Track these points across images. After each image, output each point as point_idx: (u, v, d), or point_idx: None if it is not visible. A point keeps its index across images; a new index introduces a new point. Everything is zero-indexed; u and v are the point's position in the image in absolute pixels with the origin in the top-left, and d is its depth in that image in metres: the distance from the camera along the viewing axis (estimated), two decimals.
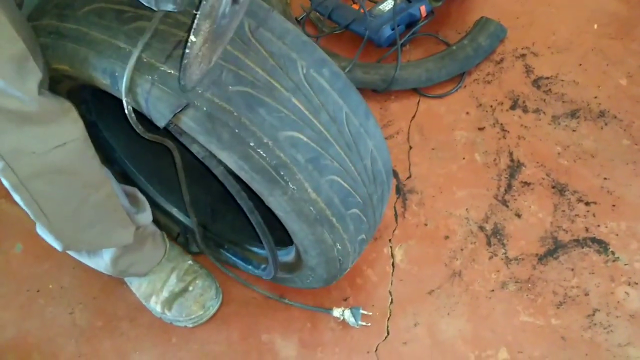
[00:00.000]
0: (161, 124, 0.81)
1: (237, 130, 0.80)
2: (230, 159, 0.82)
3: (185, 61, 0.66)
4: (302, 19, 1.79)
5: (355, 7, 1.70)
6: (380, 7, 1.66)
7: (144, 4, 0.65)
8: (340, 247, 0.97)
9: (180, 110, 0.78)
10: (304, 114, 0.83)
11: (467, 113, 1.58)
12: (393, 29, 1.61)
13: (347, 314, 1.26)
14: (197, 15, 0.61)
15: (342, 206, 0.91)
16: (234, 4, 0.68)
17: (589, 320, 1.25)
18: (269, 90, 0.81)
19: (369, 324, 1.28)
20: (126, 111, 0.81)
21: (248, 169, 0.82)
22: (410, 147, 1.54)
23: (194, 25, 0.62)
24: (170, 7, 0.64)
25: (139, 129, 0.85)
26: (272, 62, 0.81)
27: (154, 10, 0.78)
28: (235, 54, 0.80)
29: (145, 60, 0.78)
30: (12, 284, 1.42)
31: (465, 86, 1.63)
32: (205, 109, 0.79)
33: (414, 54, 1.71)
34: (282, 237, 1.07)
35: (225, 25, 0.71)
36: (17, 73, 0.78)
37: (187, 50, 0.65)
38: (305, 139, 0.83)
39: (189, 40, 0.64)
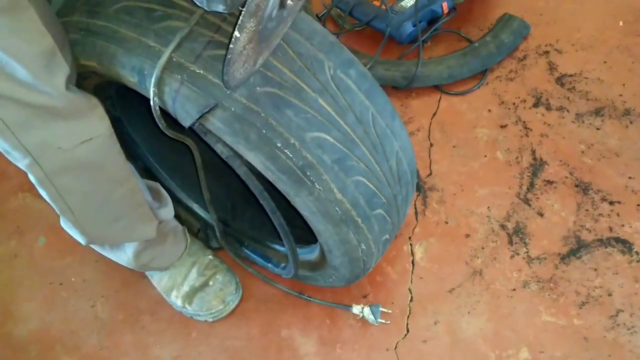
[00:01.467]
0: (186, 123, 0.81)
1: (264, 131, 0.80)
2: (257, 160, 0.83)
3: (229, 56, 0.66)
4: (323, 15, 1.78)
5: (377, 3, 1.70)
6: (402, 3, 1.65)
7: (197, 3, 0.65)
8: (364, 247, 0.97)
9: (208, 111, 0.79)
10: (330, 115, 0.83)
11: (489, 110, 1.57)
12: (415, 26, 1.60)
13: (367, 311, 1.26)
14: (243, 12, 0.61)
15: (367, 207, 0.91)
16: (281, 9, 0.68)
17: (612, 321, 1.23)
18: (297, 91, 0.81)
19: (388, 322, 1.28)
20: (152, 103, 0.81)
21: (275, 169, 0.83)
22: (431, 145, 1.53)
23: (239, 22, 0.62)
24: (220, 8, 0.64)
25: (162, 124, 0.85)
26: (299, 63, 0.81)
27: (191, 11, 0.79)
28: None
29: (174, 59, 0.79)
30: (36, 276, 1.44)
31: (487, 83, 1.62)
32: (233, 109, 0.79)
33: (435, 50, 1.70)
34: (305, 235, 1.07)
35: (272, 29, 0.71)
36: (45, 68, 0.78)
37: (231, 46, 0.65)
38: (331, 139, 0.83)
39: (233, 36, 0.64)
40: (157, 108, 0.82)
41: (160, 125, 0.85)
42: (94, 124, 0.89)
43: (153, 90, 0.80)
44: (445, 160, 1.50)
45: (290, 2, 0.68)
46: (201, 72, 0.79)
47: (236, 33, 0.63)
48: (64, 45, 0.83)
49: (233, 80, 0.73)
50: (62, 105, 0.83)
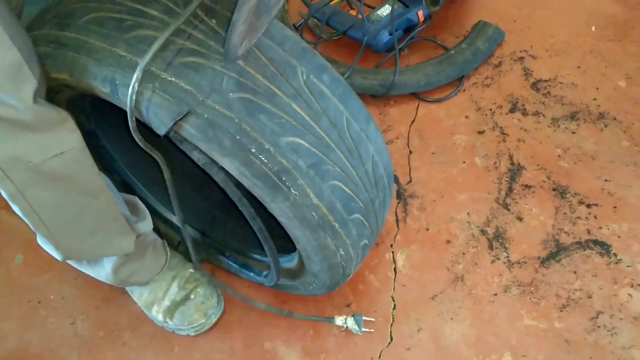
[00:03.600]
0: (161, 131, 0.81)
1: (238, 137, 0.80)
2: (231, 166, 0.82)
3: (234, 25, 0.66)
4: (300, 25, 1.79)
5: (353, 12, 1.71)
6: (378, 12, 1.67)
7: None
8: (343, 253, 0.97)
9: (182, 118, 0.78)
10: (304, 120, 0.83)
11: (467, 117, 1.58)
12: (391, 34, 1.61)
13: (350, 321, 1.25)
14: None
15: (344, 211, 0.91)
16: None
17: (592, 322, 1.24)
18: (270, 97, 0.81)
19: (372, 330, 1.27)
20: (129, 116, 0.80)
21: (250, 175, 0.82)
22: (410, 152, 1.54)
23: None
24: None
25: (137, 136, 0.84)
26: (272, 68, 0.81)
27: (161, 20, 0.78)
28: (236, 61, 0.80)
29: (146, 68, 0.78)
30: (13, 295, 1.41)
31: (464, 90, 1.63)
32: (206, 116, 0.79)
33: (412, 58, 1.71)
34: (284, 244, 1.07)
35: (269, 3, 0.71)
36: (11, 81, 0.78)
37: (235, 13, 0.64)
38: (306, 144, 0.83)
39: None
40: (134, 121, 0.81)
41: (135, 137, 0.84)
42: (65, 138, 0.88)
43: (130, 105, 0.79)
44: (424, 167, 1.51)
45: None
46: (173, 79, 0.78)
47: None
48: (32, 59, 0.82)
49: (235, 49, 0.72)
50: (30, 118, 0.82)
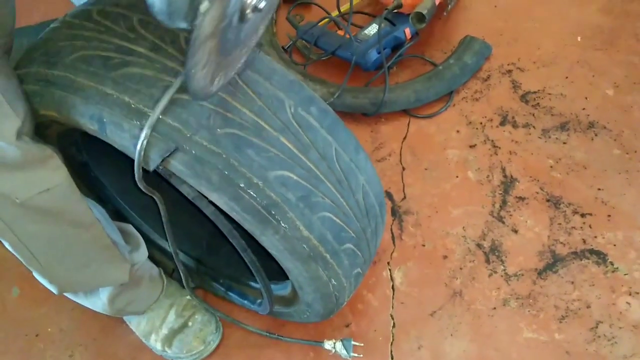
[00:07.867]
0: (150, 167, 0.81)
1: (226, 172, 0.80)
2: (220, 201, 0.83)
3: (188, 74, 0.64)
4: (288, 47, 1.80)
5: (341, 33, 1.72)
6: (365, 31, 1.67)
7: (159, 19, 0.61)
8: (335, 283, 0.97)
9: (169, 155, 0.79)
10: (293, 153, 0.83)
11: (458, 131, 1.59)
12: (379, 53, 1.62)
13: (339, 346, 1.24)
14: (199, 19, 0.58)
15: (335, 242, 0.91)
16: (241, 23, 0.66)
17: (592, 333, 1.24)
18: (257, 131, 0.81)
19: (361, 356, 1.26)
20: (136, 163, 0.80)
21: (239, 209, 0.83)
22: (403, 168, 1.54)
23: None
24: (183, 25, 0.62)
25: (142, 185, 0.85)
26: (259, 103, 0.82)
27: (150, 57, 0.78)
28: (223, 97, 0.81)
29: (133, 105, 0.79)
30: (11, 328, 1.41)
31: (454, 105, 1.64)
32: (194, 152, 0.79)
33: (401, 76, 1.72)
34: (280, 270, 1.07)
35: (232, 42, 0.69)
36: None
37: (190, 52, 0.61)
38: (295, 177, 0.83)
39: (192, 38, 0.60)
40: (141, 172, 0.81)
41: (140, 185, 0.85)
42: (50, 175, 0.89)
43: (138, 158, 0.79)
44: (418, 183, 1.51)
45: (251, 14, 0.66)
46: (160, 116, 0.79)
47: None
48: (14, 97, 0.83)
49: (204, 89, 0.70)
50: (14, 156, 0.82)
